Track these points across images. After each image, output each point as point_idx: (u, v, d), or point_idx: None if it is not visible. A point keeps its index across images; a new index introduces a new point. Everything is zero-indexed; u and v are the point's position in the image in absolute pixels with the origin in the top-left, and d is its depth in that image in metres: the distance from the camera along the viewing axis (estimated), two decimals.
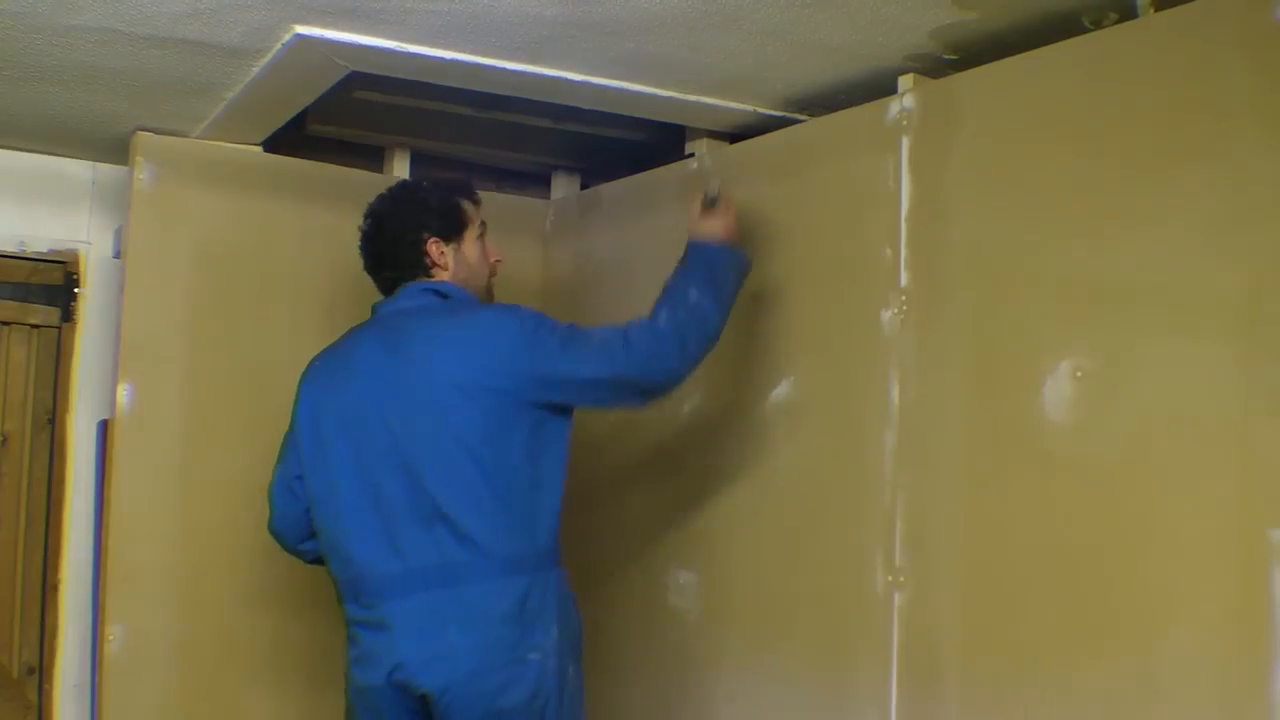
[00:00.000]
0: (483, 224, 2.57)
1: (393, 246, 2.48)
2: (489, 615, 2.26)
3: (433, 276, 2.48)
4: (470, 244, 2.52)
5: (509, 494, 2.30)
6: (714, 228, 2.45)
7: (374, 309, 2.51)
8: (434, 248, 2.47)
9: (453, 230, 2.49)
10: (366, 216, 2.54)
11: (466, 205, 2.54)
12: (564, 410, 2.37)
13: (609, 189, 3.23)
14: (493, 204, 3.38)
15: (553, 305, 3.35)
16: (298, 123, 2.97)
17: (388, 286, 2.51)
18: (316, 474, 2.41)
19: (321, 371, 2.49)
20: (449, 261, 2.48)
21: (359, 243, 2.53)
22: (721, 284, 2.40)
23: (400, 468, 2.30)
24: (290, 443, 2.49)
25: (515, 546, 2.29)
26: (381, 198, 2.55)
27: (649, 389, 2.36)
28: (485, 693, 2.23)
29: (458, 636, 2.25)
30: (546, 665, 2.28)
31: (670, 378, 2.34)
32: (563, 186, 3.50)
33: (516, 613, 2.27)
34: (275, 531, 2.55)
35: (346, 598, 2.37)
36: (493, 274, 2.60)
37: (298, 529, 2.50)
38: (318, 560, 2.52)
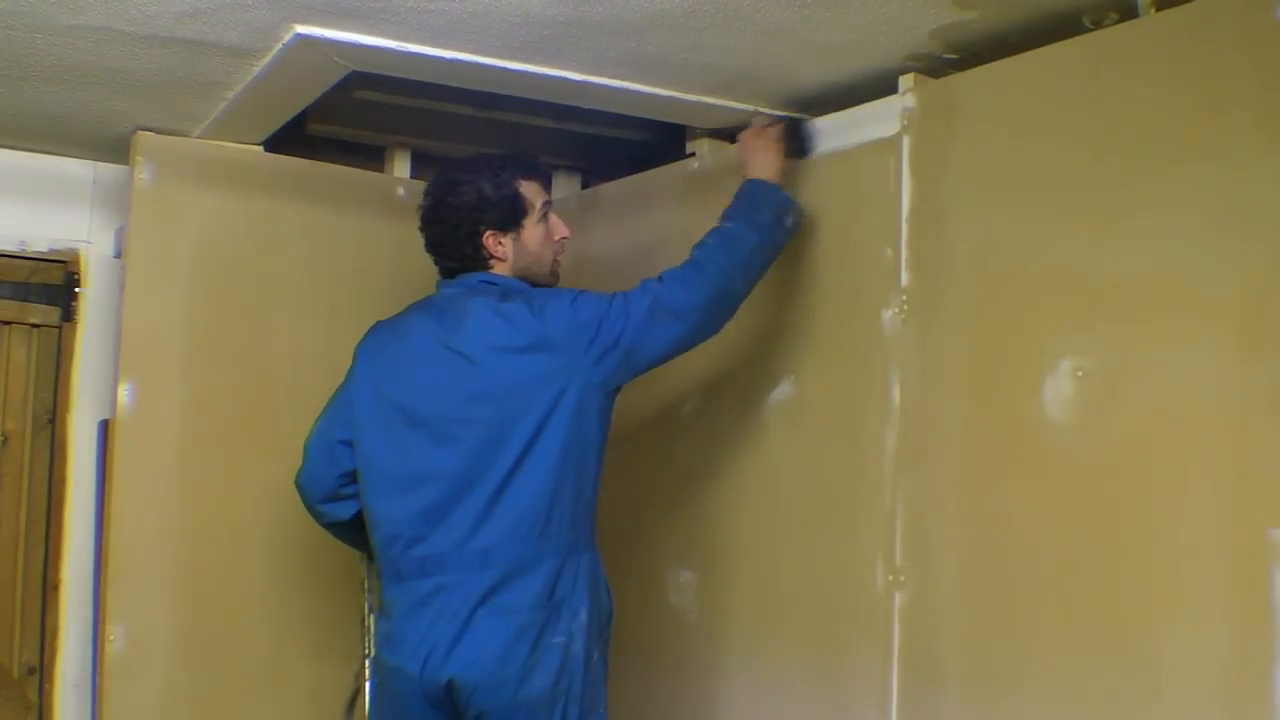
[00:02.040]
0: (545, 203, 2.51)
1: (450, 237, 2.43)
2: (517, 602, 2.26)
3: (491, 268, 2.44)
4: (531, 230, 2.46)
5: (555, 479, 2.30)
6: (765, 169, 2.47)
7: (438, 287, 2.50)
8: (491, 240, 2.42)
9: (511, 220, 2.43)
10: (426, 195, 2.49)
11: (526, 189, 2.46)
12: (615, 389, 2.38)
13: (610, 188, 3.23)
14: None
15: None
16: (298, 122, 2.97)
17: (447, 271, 2.49)
18: (372, 446, 2.39)
19: (381, 344, 2.47)
20: (508, 252, 2.44)
21: (418, 224, 2.49)
22: (757, 212, 2.40)
23: (456, 450, 2.30)
24: (342, 404, 2.46)
25: (553, 531, 2.30)
26: (440, 182, 2.48)
27: (692, 314, 2.33)
28: (508, 680, 2.24)
29: (485, 620, 2.25)
30: (572, 649, 2.29)
31: (710, 298, 2.34)
32: (563, 186, 3.50)
33: (545, 598, 2.28)
34: (301, 485, 2.52)
35: (386, 575, 2.37)
36: (558, 252, 2.54)
37: (324, 488, 2.48)
38: (333, 526, 2.52)
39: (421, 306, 2.48)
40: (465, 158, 2.53)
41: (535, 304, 2.35)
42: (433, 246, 2.48)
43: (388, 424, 2.38)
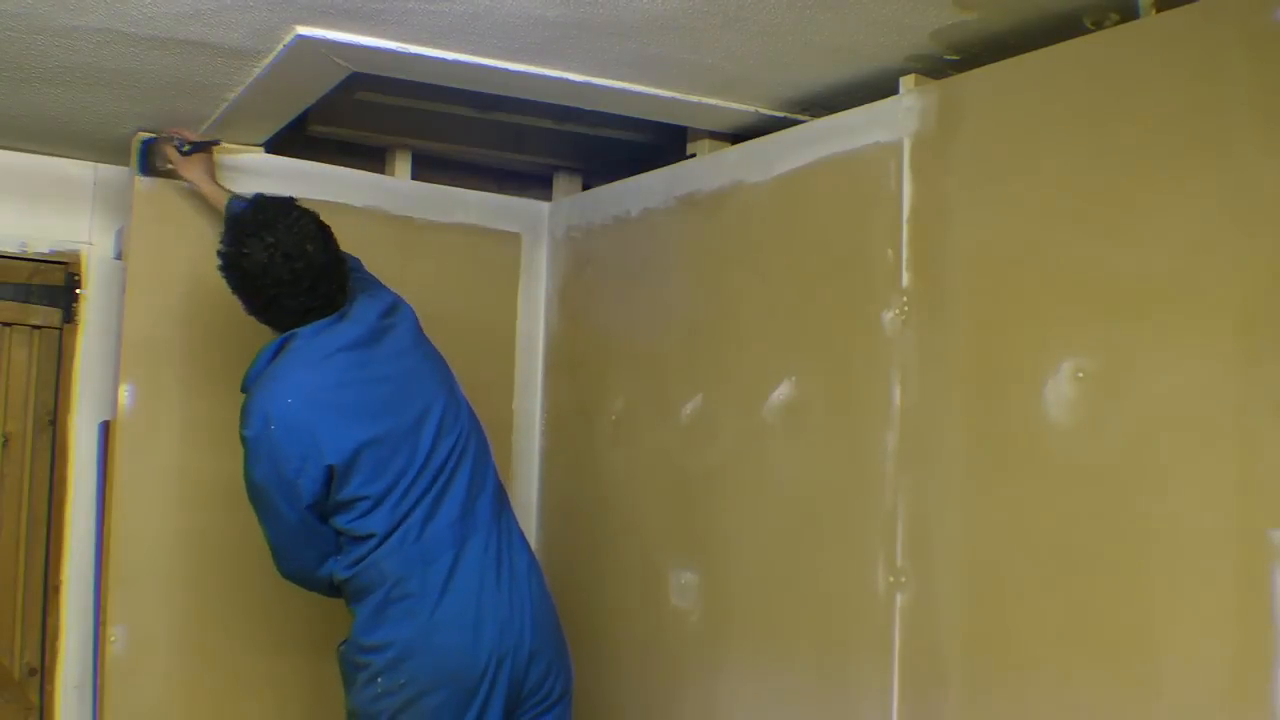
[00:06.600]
0: None
1: (340, 269, 2.50)
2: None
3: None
4: None
5: None
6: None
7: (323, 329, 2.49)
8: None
9: None
10: (313, 241, 2.42)
11: None
12: None
13: (612, 188, 3.23)
14: (494, 204, 3.40)
15: (563, 306, 3.36)
16: (299, 124, 2.97)
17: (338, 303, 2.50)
18: (369, 471, 2.43)
19: (330, 395, 2.46)
20: None
21: (297, 288, 2.43)
22: None
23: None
24: (304, 476, 2.43)
25: None
26: (315, 223, 2.45)
27: None
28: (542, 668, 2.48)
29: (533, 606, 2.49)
30: None
31: None
32: (565, 187, 3.50)
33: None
34: (297, 576, 2.60)
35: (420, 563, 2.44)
36: None
37: (321, 560, 2.55)
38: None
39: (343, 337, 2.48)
40: (245, 215, 2.49)
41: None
42: (327, 289, 2.47)
43: (385, 442, 2.44)
